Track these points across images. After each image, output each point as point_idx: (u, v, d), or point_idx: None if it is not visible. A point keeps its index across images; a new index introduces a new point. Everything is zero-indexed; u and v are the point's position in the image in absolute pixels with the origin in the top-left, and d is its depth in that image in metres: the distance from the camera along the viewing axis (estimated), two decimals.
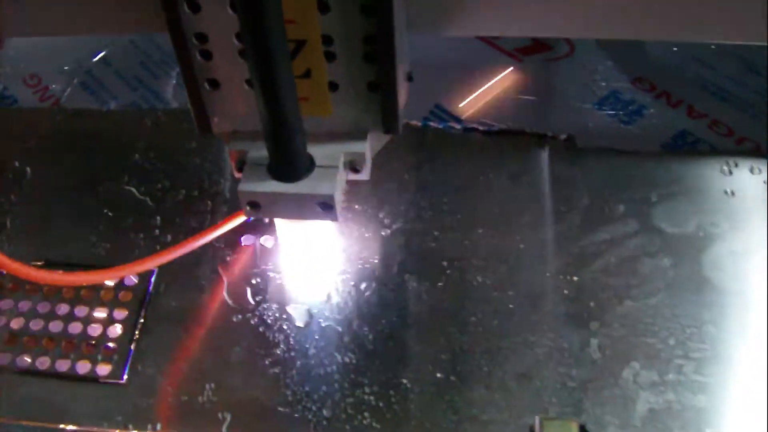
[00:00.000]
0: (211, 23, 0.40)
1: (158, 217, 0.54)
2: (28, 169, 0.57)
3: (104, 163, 0.57)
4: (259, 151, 0.42)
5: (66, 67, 0.66)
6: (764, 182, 0.54)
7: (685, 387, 0.44)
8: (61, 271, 0.45)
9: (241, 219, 0.49)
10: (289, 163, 0.42)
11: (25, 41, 0.68)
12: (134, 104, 0.62)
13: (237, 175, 0.44)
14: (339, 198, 0.43)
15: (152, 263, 0.47)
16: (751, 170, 0.54)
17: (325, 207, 0.43)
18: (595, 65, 0.63)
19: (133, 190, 0.56)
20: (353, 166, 0.44)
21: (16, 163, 0.58)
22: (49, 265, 0.51)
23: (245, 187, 0.42)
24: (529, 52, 0.63)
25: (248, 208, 0.43)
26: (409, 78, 0.44)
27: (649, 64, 0.63)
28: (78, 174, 0.57)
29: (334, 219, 0.43)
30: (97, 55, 0.67)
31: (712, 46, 0.63)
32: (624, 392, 0.44)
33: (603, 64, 0.63)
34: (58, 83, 0.64)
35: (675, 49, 0.64)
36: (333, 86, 0.42)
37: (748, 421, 0.43)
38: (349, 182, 0.44)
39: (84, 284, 0.50)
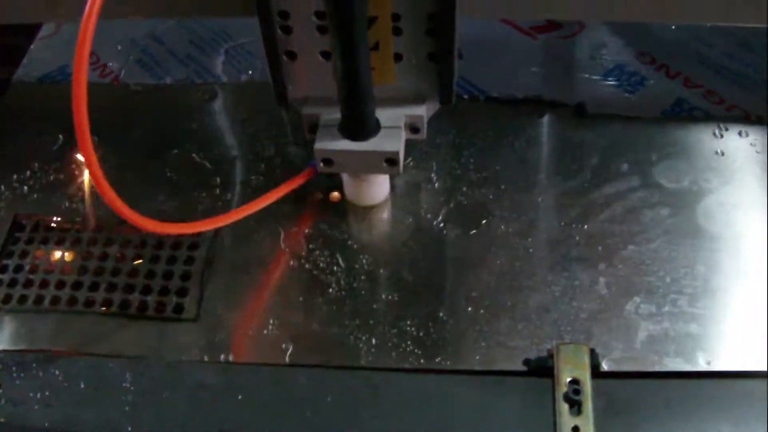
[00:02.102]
0: (294, 2, 0.48)
1: (217, 178, 0.63)
2: (96, 138, 0.66)
3: (165, 132, 0.66)
4: (331, 115, 0.52)
5: (119, 47, 0.74)
6: (751, 144, 0.63)
7: (678, 317, 0.53)
8: (166, 222, 0.52)
9: (306, 178, 0.58)
10: (360, 125, 0.51)
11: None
12: (188, 79, 0.71)
13: (308, 136, 0.53)
14: (402, 154, 0.52)
15: (242, 213, 0.55)
16: (740, 134, 0.63)
17: (391, 162, 0.52)
18: (602, 42, 0.71)
19: (194, 155, 0.65)
20: (413, 127, 0.54)
21: None
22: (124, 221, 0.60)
23: (321, 145, 0.52)
24: (543, 30, 0.72)
25: (322, 164, 0.52)
26: (459, 55, 0.52)
27: (651, 40, 0.71)
28: (142, 143, 0.66)
29: (397, 172, 0.53)
30: (149, 34, 0.76)
31: (709, 25, 0.72)
32: (627, 322, 0.53)
33: (609, 41, 0.71)
34: (115, 61, 0.73)
35: (674, 27, 0.73)
36: (398, 57, 0.51)
37: (733, 345, 0.52)
38: None
39: (186, 232, 0.58)
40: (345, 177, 0.59)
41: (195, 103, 0.68)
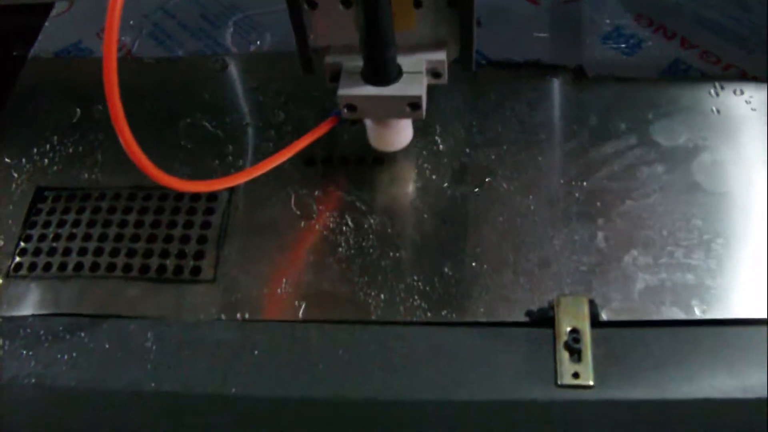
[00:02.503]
0: None
1: (230, 146, 0.65)
2: None
3: (178, 103, 0.69)
4: (352, 62, 0.54)
5: (131, 21, 0.77)
6: (746, 102, 0.65)
7: (675, 268, 0.56)
8: (188, 180, 0.55)
9: (330, 126, 0.59)
10: (382, 70, 0.53)
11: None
12: (199, 51, 0.73)
13: (330, 84, 0.55)
14: (425, 98, 0.54)
15: (258, 171, 0.57)
16: (735, 92, 0.65)
17: (414, 106, 0.54)
18: (601, 5, 0.73)
19: (206, 124, 0.67)
20: (434, 72, 0.56)
21: (100, 107, 0.70)
22: (144, 189, 0.63)
23: (344, 91, 0.54)
24: None
25: (345, 110, 0.55)
26: (478, 23, 0.55)
27: (650, 2, 0.73)
28: (156, 114, 0.68)
29: (421, 117, 0.55)
30: (160, 8, 0.78)
31: None
32: (625, 273, 0.56)
33: (608, 4, 0.73)
34: (127, 35, 0.75)
35: None
36: (417, 3, 0.53)
37: (728, 295, 0.55)
38: None
39: (205, 190, 0.61)
40: (368, 123, 0.61)
41: (206, 75, 0.71)
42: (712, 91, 0.65)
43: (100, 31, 0.76)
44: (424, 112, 0.56)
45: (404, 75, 0.55)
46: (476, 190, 0.61)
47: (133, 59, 0.73)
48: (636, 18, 0.71)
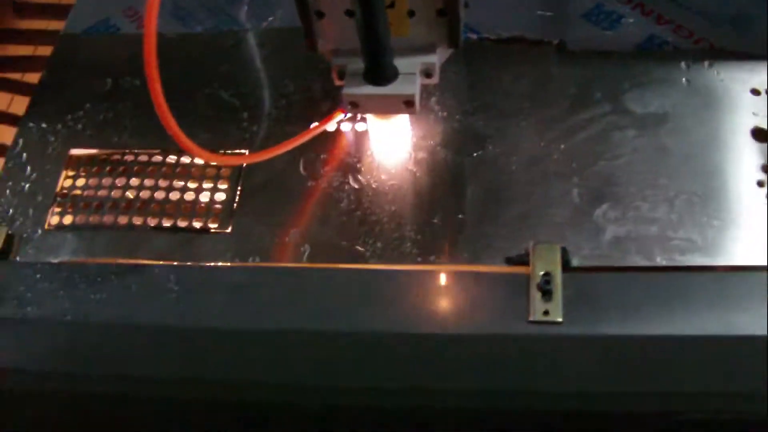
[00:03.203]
0: None
1: (245, 113, 0.73)
2: (138, 81, 0.76)
3: (197, 75, 0.76)
4: (355, 64, 0.62)
5: None
6: (716, 73, 0.71)
7: (640, 221, 0.63)
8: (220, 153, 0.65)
9: (339, 117, 0.67)
10: (380, 72, 0.61)
11: None
12: (215, 27, 0.81)
13: (337, 83, 0.63)
14: (418, 97, 0.62)
15: (286, 147, 0.65)
16: (705, 65, 0.72)
17: (408, 103, 0.62)
18: None
19: (223, 94, 0.75)
20: (427, 73, 0.63)
21: (128, 79, 0.77)
22: (167, 152, 0.71)
23: (348, 90, 0.62)
24: None
25: (350, 106, 0.63)
26: (466, 4, 0.62)
27: None
28: (177, 84, 0.75)
29: (414, 112, 0.63)
30: None
31: None
32: (595, 226, 0.63)
33: None
34: None
35: None
36: (411, 13, 0.61)
37: (687, 246, 0.62)
38: None
39: (234, 164, 0.70)
40: (370, 117, 0.70)
41: (223, 49, 0.79)
42: (683, 63, 0.72)
43: (126, 9, 0.84)
44: (417, 109, 0.63)
45: (400, 76, 0.63)
46: (465, 152, 0.68)
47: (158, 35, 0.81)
48: None
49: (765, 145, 0.67)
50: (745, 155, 0.66)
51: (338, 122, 0.71)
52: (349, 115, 0.70)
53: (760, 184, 0.64)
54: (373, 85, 0.62)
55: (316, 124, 0.68)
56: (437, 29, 0.62)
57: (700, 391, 0.58)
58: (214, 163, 0.70)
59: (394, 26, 0.61)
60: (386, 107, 0.64)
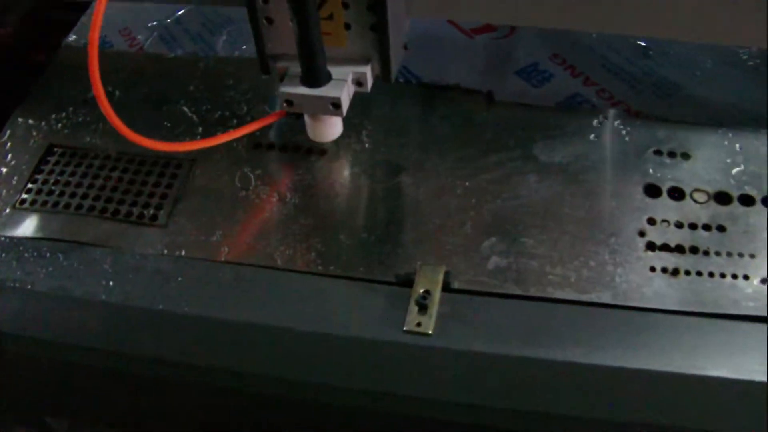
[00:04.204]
0: None
1: (200, 128, 0.84)
2: (117, 92, 0.88)
3: (168, 91, 0.88)
4: (296, 68, 0.72)
5: (149, 24, 0.97)
6: (624, 133, 0.79)
7: (522, 255, 0.71)
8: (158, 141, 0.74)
9: (276, 117, 0.78)
10: (313, 75, 0.71)
11: (120, 5, 1.00)
12: (194, 53, 0.92)
13: (279, 83, 0.73)
14: (345, 101, 0.72)
15: (223, 138, 0.76)
16: (616, 123, 0.80)
17: (335, 105, 0.72)
18: (526, 44, 0.89)
19: (186, 109, 0.86)
20: (358, 81, 0.73)
21: (109, 88, 0.89)
22: (129, 154, 0.82)
23: (284, 89, 0.72)
24: (480, 31, 0.91)
25: (285, 104, 0.73)
26: (405, 47, 0.72)
27: (568, 45, 0.89)
28: (150, 97, 0.87)
29: (341, 115, 0.73)
30: (174, 16, 0.98)
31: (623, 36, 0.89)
32: (481, 255, 0.71)
33: (533, 44, 0.89)
34: (143, 35, 0.95)
35: (593, 35, 0.90)
36: (347, 26, 0.71)
37: (563, 281, 0.69)
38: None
39: (172, 150, 0.79)
40: (306, 118, 0.78)
41: (195, 71, 0.90)
42: (596, 121, 0.80)
43: (122, 30, 0.96)
44: (344, 112, 0.73)
45: (332, 81, 0.73)
46: (386, 181, 0.78)
47: (142, 54, 0.93)
48: (552, 57, 0.87)
49: (655, 200, 0.74)
50: (633, 207, 0.74)
51: (276, 121, 0.81)
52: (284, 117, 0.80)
53: (641, 233, 0.72)
54: (306, 87, 0.72)
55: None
56: (371, 43, 0.72)
57: (548, 412, 0.65)
58: (154, 149, 0.76)
59: (332, 36, 0.71)
60: (316, 107, 0.74)
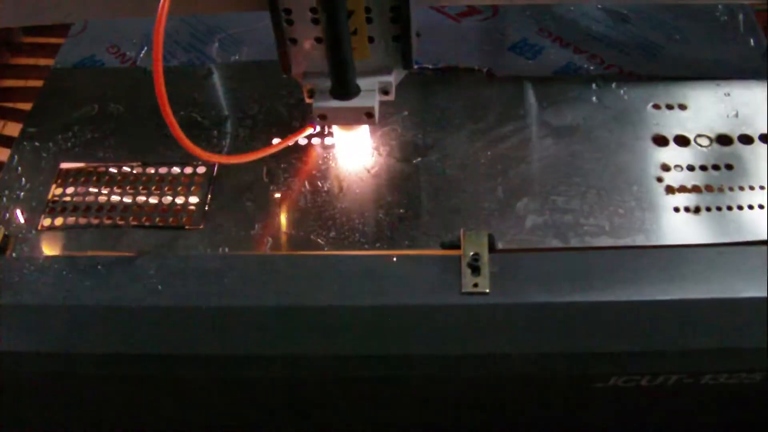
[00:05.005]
0: (295, 1, 0.71)
1: (214, 131, 0.86)
2: (121, 107, 0.89)
3: (173, 101, 0.88)
4: (323, 83, 0.75)
5: (134, 40, 0.98)
6: (622, 93, 0.86)
7: (556, 212, 0.76)
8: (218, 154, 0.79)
9: (309, 131, 0.82)
10: (345, 88, 0.75)
11: (101, 21, 1.01)
12: (189, 61, 0.95)
13: (308, 101, 0.76)
14: (377, 109, 0.76)
15: (264, 153, 0.79)
16: (613, 85, 0.87)
17: (369, 115, 0.76)
18: (512, 22, 0.95)
19: (196, 116, 0.88)
20: (384, 91, 0.77)
21: (112, 104, 0.90)
22: (149, 164, 0.84)
23: (318, 105, 0.75)
24: (465, 15, 0.97)
25: (318, 119, 0.76)
26: (417, 34, 0.76)
27: (551, 19, 0.96)
28: (156, 109, 0.88)
29: (374, 123, 0.77)
30: None
31: (599, 6, 0.96)
32: (518, 215, 0.76)
33: (517, 21, 0.96)
34: (131, 50, 0.97)
35: (571, 8, 0.96)
36: (371, 39, 0.74)
37: (595, 230, 0.75)
38: None
39: (235, 162, 0.81)
40: (335, 130, 0.83)
41: (195, 80, 0.92)
42: (594, 85, 0.87)
43: (109, 48, 0.97)
44: (377, 120, 0.77)
45: (362, 92, 0.77)
46: (406, 160, 0.82)
47: (137, 68, 0.94)
48: (539, 31, 0.93)
49: (664, 149, 0.81)
50: (646, 157, 0.80)
51: (307, 136, 0.84)
52: (317, 129, 0.84)
53: (659, 179, 0.78)
54: (339, 100, 0.76)
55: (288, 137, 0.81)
56: (393, 54, 0.76)
57: (611, 351, 0.70)
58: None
59: (356, 50, 0.74)
60: (350, 118, 0.78)
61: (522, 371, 0.72)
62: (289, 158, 0.83)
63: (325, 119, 0.77)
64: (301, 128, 0.82)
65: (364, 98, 0.76)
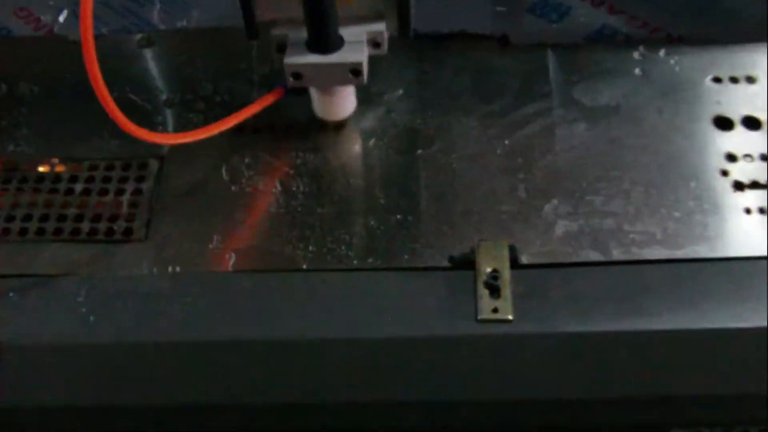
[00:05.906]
0: None
1: (159, 117, 0.82)
2: (37, 88, 0.85)
3: (107, 78, 0.85)
4: (297, 34, 0.72)
5: (50, 2, 0.94)
6: (673, 63, 0.83)
7: (593, 215, 0.73)
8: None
9: (272, 100, 0.77)
10: (326, 39, 0.71)
11: None
12: (125, 29, 0.91)
13: (276, 54, 0.73)
14: (365, 66, 0.72)
15: (221, 126, 0.75)
16: (661, 54, 0.84)
17: (356, 72, 0.72)
18: None
19: (134, 97, 0.84)
20: (374, 42, 0.74)
21: (24, 83, 0.86)
22: (72, 160, 0.79)
23: (290, 60, 0.72)
24: None
25: (292, 78, 0.72)
26: None
27: None
28: (83, 89, 0.84)
29: (363, 82, 0.73)
30: None
31: None
32: (545, 221, 0.73)
33: None
34: (47, 14, 0.93)
35: None
36: None
37: (644, 239, 0.71)
38: None
39: (174, 142, 0.77)
40: (313, 93, 0.78)
41: (132, 51, 0.88)
42: (637, 53, 0.84)
43: (17, 10, 0.93)
44: (365, 78, 0.74)
45: (346, 44, 0.73)
46: (403, 151, 0.78)
47: (57, 38, 0.90)
48: None
49: (728, 133, 0.78)
50: (706, 144, 0.77)
51: (276, 101, 0.79)
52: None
53: (724, 173, 0.75)
54: (317, 54, 0.72)
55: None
56: None
57: (670, 395, 0.67)
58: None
59: None
60: (332, 78, 0.74)
61: (554, 421, 0.69)
62: (255, 150, 0.80)
63: (300, 79, 0.73)
64: (268, 93, 0.78)
65: (350, 51, 0.73)
